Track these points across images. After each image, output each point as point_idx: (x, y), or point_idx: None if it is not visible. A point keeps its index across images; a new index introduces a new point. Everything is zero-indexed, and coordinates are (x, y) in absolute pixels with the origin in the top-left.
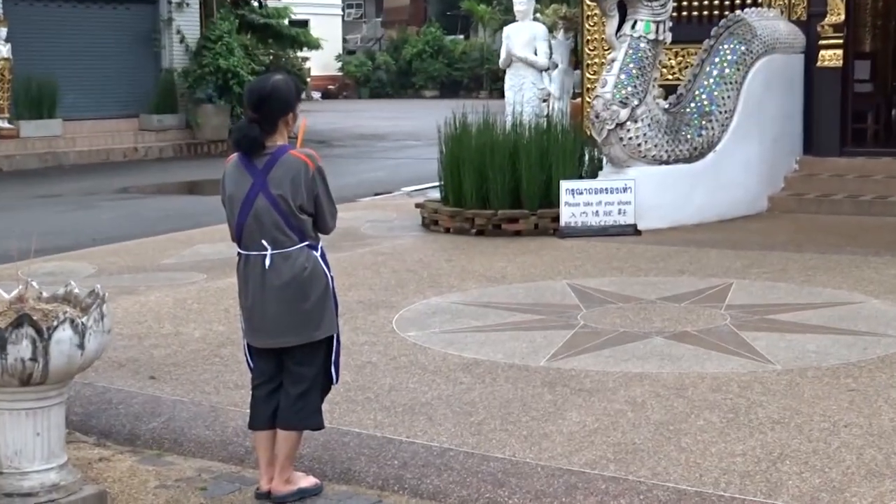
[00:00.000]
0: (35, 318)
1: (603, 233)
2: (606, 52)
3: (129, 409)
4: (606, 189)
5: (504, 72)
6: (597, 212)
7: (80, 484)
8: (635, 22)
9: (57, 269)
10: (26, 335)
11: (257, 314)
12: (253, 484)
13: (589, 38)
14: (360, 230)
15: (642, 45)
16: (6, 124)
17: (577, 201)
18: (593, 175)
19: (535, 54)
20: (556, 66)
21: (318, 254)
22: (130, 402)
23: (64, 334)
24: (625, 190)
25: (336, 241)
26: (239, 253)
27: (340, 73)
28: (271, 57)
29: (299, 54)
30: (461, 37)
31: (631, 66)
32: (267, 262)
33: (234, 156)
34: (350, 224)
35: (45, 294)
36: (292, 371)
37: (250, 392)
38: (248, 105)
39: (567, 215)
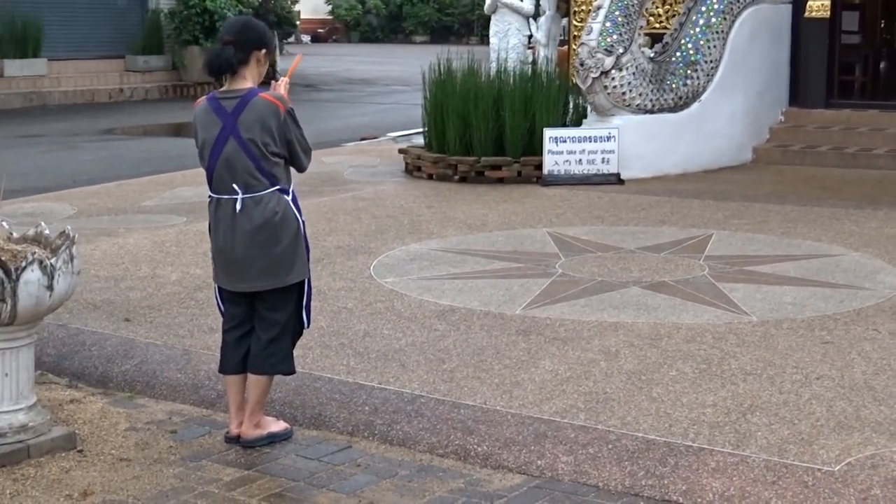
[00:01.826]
0: (3, 258)
1: (586, 181)
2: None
3: (101, 351)
4: (590, 137)
5: (489, 18)
6: (580, 160)
7: (50, 425)
8: None
9: (36, 209)
10: None
11: (228, 258)
12: (223, 428)
13: None
14: (342, 175)
15: None
16: None
17: (561, 149)
18: (578, 123)
19: (521, 0)
20: (544, 12)
21: (289, 198)
22: (104, 344)
23: (32, 275)
24: (608, 139)
25: (318, 185)
26: (210, 196)
27: (330, 17)
28: None
29: None
30: None
31: (616, 13)
32: (238, 205)
33: (203, 99)
34: (333, 169)
35: (15, 234)
36: (264, 316)
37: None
38: (224, 33)
39: (550, 163)
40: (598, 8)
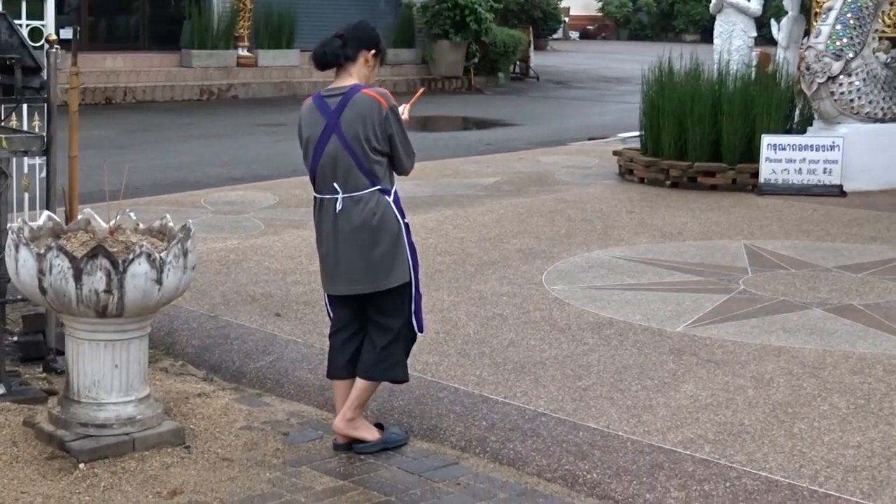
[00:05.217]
0: (116, 250)
1: (805, 192)
2: None
3: (242, 345)
4: (812, 146)
5: (714, 18)
6: (800, 169)
7: (160, 419)
8: None
9: (240, 198)
10: (101, 267)
11: (330, 260)
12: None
13: None
14: (553, 175)
15: None
16: (245, 52)
17: (779, 157)
18: (803, 131)
19: (748, 0)
20: (787, 13)
21: (390, 199)
22: (246, 338)
23: (140, 268)
24: (832, 148)
25: (524, 185)
26: (315, 197)
27: (600, 14)
28: None
29: None
30: None
31: (848, 15)
32: (338, 205)
33: (309, 99)
34: (546, 169)
35: (141, 226)
36: (377, 322)
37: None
38: (338, 30)
39: (767, 171)
40: (829, 10)
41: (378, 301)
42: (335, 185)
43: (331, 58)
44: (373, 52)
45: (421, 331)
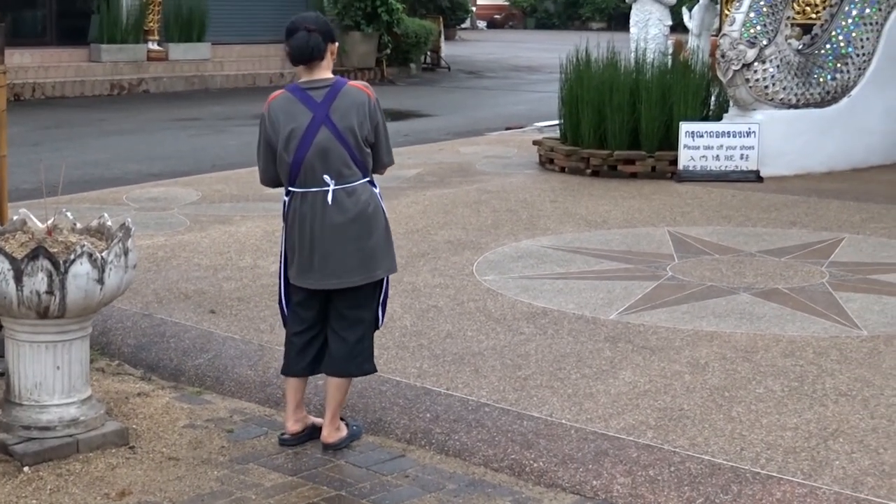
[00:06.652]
0: (56, 250)
1: (723, 178)
2: None
3: (179, 343)
4: (729, 132)
5: (630, 7)
6: (717, 156)
7: (103, 420)
8: None
9: (162, 194)
10: (42, 268)
11: (318, 254)
12: (281, 429)
13: None
14: (474, 166)
15: None
16: (156, 46)
17: (697, 144)
18: (719, 117)
19: None
20: (699, 1)
21: (377, 191)
22: (182, 336)
23: (81, 268)
24: (748, 134)
25: (446, 176)
26: (292, 192)
27: (507, 3)
28: None
29: None
30: None
31: (762, 3)
32: (329, 197)
33: (281, 93)
34: (466, 160)
35: (78, 225)
36: (347, 315)
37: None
38: (304, 22)
39: (686, 158)
40: None
41: (352, 294)
42: (325, 177)
43: (316, 53)
44: (337, 44)
45: (382, 323)
